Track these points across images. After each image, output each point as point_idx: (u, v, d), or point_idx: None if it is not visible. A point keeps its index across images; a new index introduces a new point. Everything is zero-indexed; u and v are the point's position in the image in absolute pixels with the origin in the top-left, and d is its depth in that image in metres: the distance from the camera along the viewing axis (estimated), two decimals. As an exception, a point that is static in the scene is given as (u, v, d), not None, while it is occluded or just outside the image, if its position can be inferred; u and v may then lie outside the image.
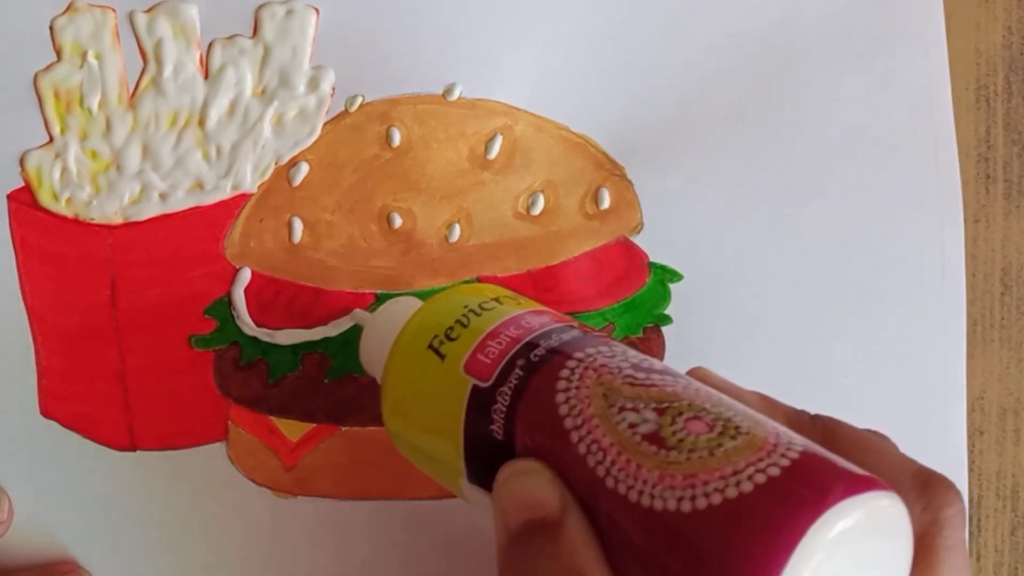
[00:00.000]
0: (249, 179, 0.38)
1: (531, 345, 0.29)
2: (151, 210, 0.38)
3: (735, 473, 0.24)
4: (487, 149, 0.38)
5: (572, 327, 0.30)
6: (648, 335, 0.39)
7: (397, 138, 0.37)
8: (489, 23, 0.37)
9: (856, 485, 0.24)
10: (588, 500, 0.26)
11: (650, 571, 0.25)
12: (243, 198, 0.38)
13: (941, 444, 0.40)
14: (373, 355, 0.35)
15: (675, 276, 0.39)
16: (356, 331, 0.38)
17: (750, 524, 0.23)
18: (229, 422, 0.39)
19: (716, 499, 0.24)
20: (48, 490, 0.39)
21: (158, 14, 0.37)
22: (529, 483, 0.27)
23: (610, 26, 0.38)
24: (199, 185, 0.38)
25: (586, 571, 0.25)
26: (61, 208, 0.38)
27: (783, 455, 0.25)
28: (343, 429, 0.39)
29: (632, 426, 0.26)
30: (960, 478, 0.40)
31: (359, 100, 0.38)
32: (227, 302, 0.38)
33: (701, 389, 0.28)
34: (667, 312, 0.39)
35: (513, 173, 0.38)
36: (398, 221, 0.38)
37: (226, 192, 0.38)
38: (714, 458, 0.25)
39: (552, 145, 0.38)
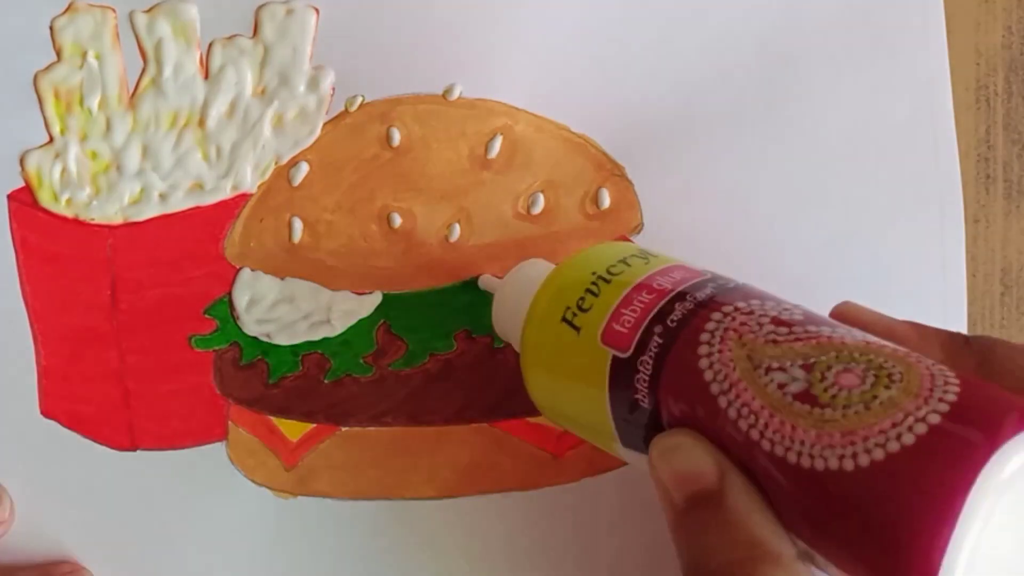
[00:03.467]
0: (249, 179, 0.38)
1: (667, 309, 0.28)
2: (151, 210, 0.38)
3: (894, 425, 0.24)
4: (487, 149, 0.38)
5: (705, 280, 0.30)
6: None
7: (397, 138, 0.37)
8: (489, 23, 0.37)
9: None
10: (747, 464, 0.26)
11: (820, 531, 0.25)
12: (243, 198, 0.38)
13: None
14: (506, 326, 0.34)
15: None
16: (357, 330, 0.38)
17: (916, 479, 0.23)
18: (229, 422, 0.39)
19: (878, 455, 0.23)
20: (48, 490, 0.39)
21: (158, 14, 0.37)
22: (685, 457, 0.26)
23: (610, 26, 0.38)
24: (199, 185, 0.38)
25: (756, 534, 0.25)
26: (61, 208, 0.38)
27: (940, 399, 0.24)
28: (343, 429, 0.39)
29: (781, 386, 0.26)
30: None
31: (359, 100, 0.38)
32: (227, 302, 0.38)
33: (846, 334, 0.27)
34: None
35: (513, 173, 0.38)
36: (398, 221, 0.38)
37: (226, 192, 0.38)
38: (870, 412, 0.24)
39: (552, 145, 0.38)
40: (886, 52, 0.39)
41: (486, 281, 0.37)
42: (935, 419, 0.24)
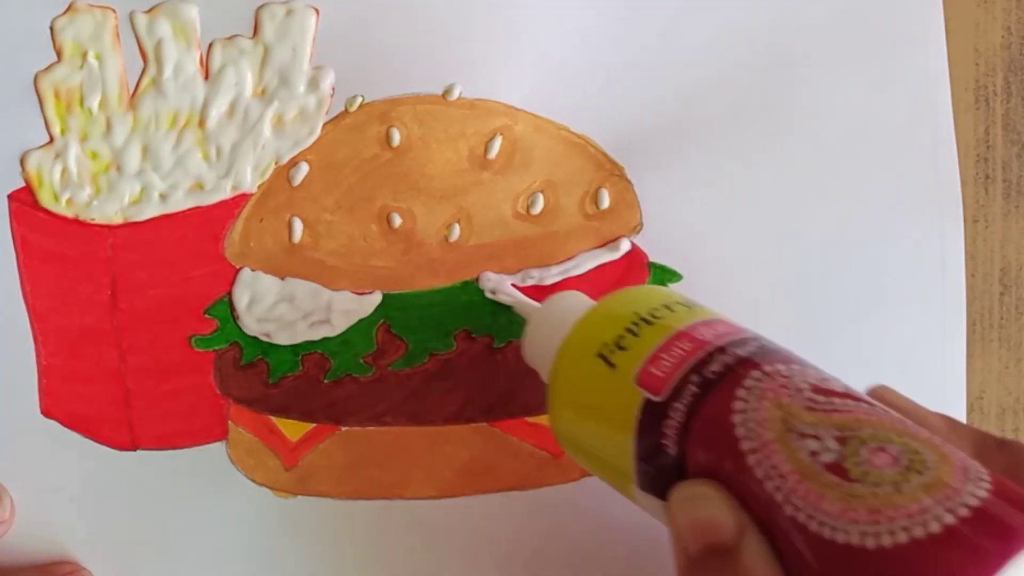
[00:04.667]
0: (249, 179, 0.38)
1: (706, 360, 0.29)
2: (151, 210, 0.38)
3: (922, 512, 0.24)
4: (487, 149, 0.38)
5: (746, 338, 0.30)
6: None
7: (397, 138, 0.38)
8: (489, 23, 0.37)
9: None
10: (766, 524, 0.26)
11: None
12: (243, 198, 0.38)
13: (941, 444, 0.40)
14: (537, 353, 0.34)
15: (675, 276, 0.39)
16: (357, 330, 0.38)
17: (938, 567, 0.23)
18: (229, 422, 0.39)
19: (902, 538, 0.24)
20: (48, 490, 0.39)
21: (158, 14, 0.37)
22: (705, 508, 0.27)
23: (610, 26, 0.38)
24: (199, 185, 0.38)
25: None
26: (61, 208, 0.38)
27: (971, 493, 0.24)
28: (343, 429, 0.39)
29: (813, 454, 0.26)
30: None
31: (359, 100, 0.38)
32: (227, 302, 0.38)
33: (884, 414, 0.27)
34: (667, 312, 0.39)
35: (513, 173, 0.38)
36: (398, 221, 0.38)
37: (226, 192, 0.38)
38: (900, 495, 0.24)
39: (552, 145, 0.38)
40: (886, 52, 0.39)
41: (521, 306, 0.37)
42: (964, 512, 0.24)
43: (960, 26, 0.40)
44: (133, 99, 0.38)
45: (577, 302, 0.34)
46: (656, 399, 0.29)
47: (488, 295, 0.38)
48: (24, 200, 0.38)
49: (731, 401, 0.27)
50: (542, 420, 0.39)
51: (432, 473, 0.39)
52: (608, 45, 0.38)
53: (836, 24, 0.39)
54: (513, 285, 0.38)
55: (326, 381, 0.38)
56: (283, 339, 0.38)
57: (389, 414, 0.38)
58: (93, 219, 0.38)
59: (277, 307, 0.38)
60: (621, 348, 0.30)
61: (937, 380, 0.40)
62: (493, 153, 0.38)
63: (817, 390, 0.27)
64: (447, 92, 0.38)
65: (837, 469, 0.25)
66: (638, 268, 0.39)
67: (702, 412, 0.28)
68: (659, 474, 0.29)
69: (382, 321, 0.38)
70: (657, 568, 0.40)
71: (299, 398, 0.38)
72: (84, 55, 0.37)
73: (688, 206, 0.39)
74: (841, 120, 0.39)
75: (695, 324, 0.30)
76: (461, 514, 0.39)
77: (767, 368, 0.28)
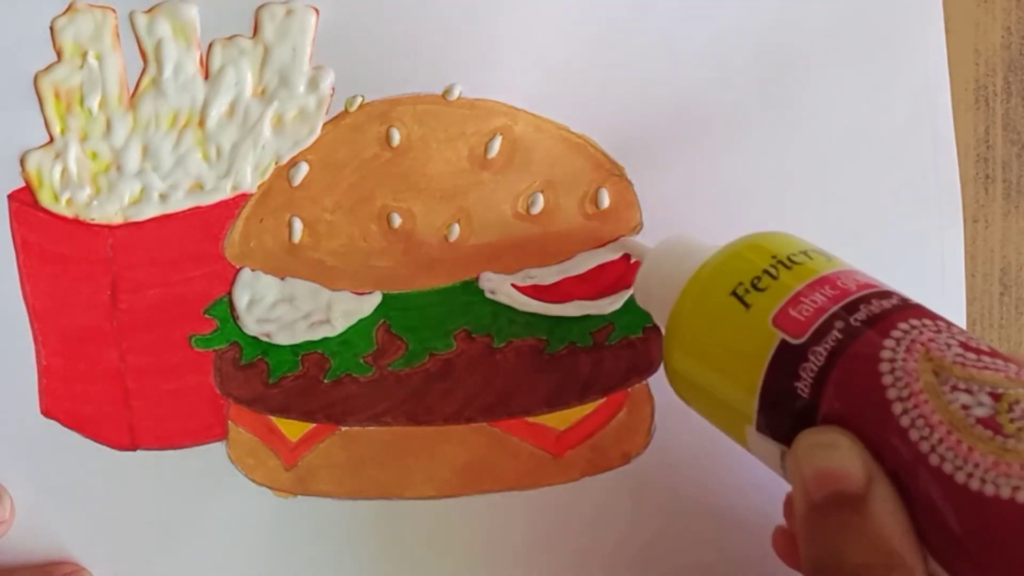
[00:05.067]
0: (249, 179, 0.38)
1: (851, 308, 0.28)
2: (151, 210, 0.38)
3: None
4: (487, 149, 0.38)
5: (889, 291, 0.29)
6: (648, 335, 0.39)
7: (397, 138, 0.38)
8: (489, 23, 0.37)
9: None
10: (902, 474, 0.26)
11: (972, 555, 0.25)
12: (243, 198, 0.38)
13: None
14: (654, 292, 0.34)
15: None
16: (357, 330, 0.38)
17: None
18: (229, 422, 0.39)
19: None
20: (48, 490, 0.39)
21: (158, 14, 0.37)
22: (836, 456, 0.26)
23: (610, 26, 0.38)
24: (199, 185, 0.38)
25: (893, 545, 0.25)
26: (61, 208, 0.38)
27: None
28: (343, 429, 0.39)
29: (965, 407, 0.26)
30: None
31: (359, 100, 0.38)
32: (227, 302, 0.38)
33: None
34: (667, 312, 0.39)
35: (513, 173, 0.38)
36: (398, 221, 0.38)
37: (226, 192, 0.38)
38: None
39: (552, 145, 0.38)
40: (885, 52, 0.39)
41: (629, 244, 0.36)
42: None
43: (960, 26, 0.40)
44: (133, 99, 0.38)
45: (697, 244, 0.33)
46: (794, 341, 0.28)
47: (488, 295, 0.38)
48: (24, 200, 0.38)
49: (878, 350, 0.27)
50: (542, 420, 0.39)
51: (432, 473, 0.39)
52: (608, 45, 0.38)
53: (836, 24, 0.39)
54: (513, 285, 0.38)
55: (326, 381, 0.38)
56: (283, 339, 0.38)
57: (389, 414, 0.38)
58: (93, 219, 0.38)
59: (277, 307, 0.38)
60: (757, 289, 0.30)
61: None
62: (493, 153, 0.38)
63: (967, 347, 0.27)
64: (447, 92, 0.38)
65: (990, 423, 0.25)
66: (638, 268, 0.39)
67: (845, 358, 0.28)
68: (784, 418, 0.28)
69: (382, 321, 0.38)
70: (657, 568, 0.40)
71: (299, 398, 0.38)
72: (84, 55, 0.37)
73: (688, 206, 0.39)
74: (841, 120, 0.39)
75: (837, 272, 0.30)
76: (461, 514, 0.39)
77: (913, 321, 0.28)
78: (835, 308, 0.29)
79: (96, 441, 0.39)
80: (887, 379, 0.27)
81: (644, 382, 0.39)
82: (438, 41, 0.37)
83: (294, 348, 0.38)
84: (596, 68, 0.38)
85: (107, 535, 0.39)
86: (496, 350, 0.38)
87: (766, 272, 0.30)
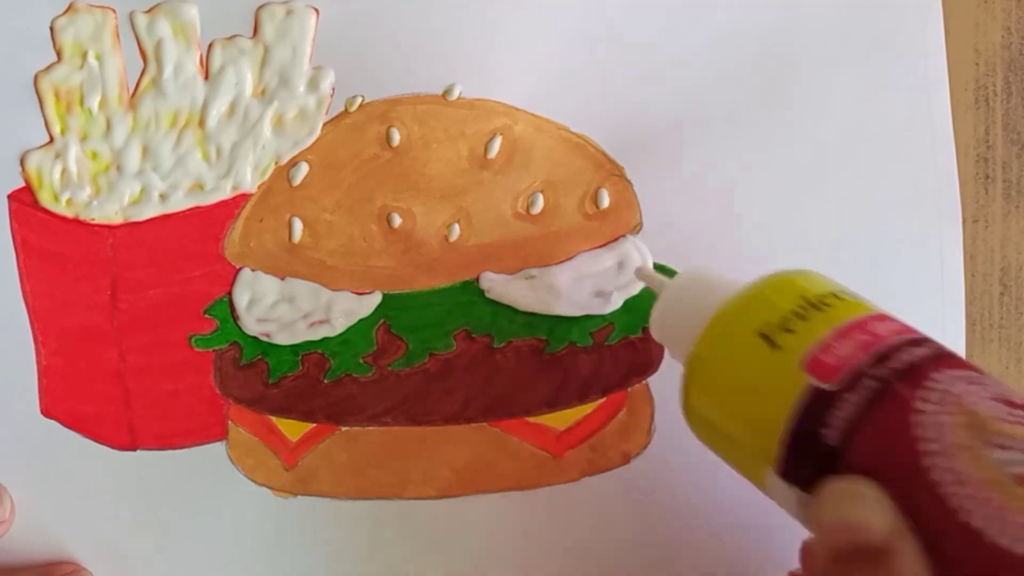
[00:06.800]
0: (249, 179, 0.38)
1: (884, 356, 0.28)
2: (151, 210, 0.38)
3: None
4: (487, 149, 0.38)
5: (923, 339, 0.29)
6: (648, 335, 0.39)
7: (397, 138, 0.38)
8: (489, 23, 0.37)
9: None
10: (928, 529, 0.25)
11: None
12: (243, 198, 0.38)
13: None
14: (672, 328, 0.34)
15: (674, 276, 0.39)
16: (357, 330, 0.38)
17: None
18: (229, 422, 0.39)
19: None
20: (48, 490, 0.39)
21: (158, 14, 0.37)
22: (860, 508, 0.26)
23: (609, 26, 0.38)
24: (199, 185, 0.38)
25: None
26: (61, 208, 0.38)
27: None
28: (343, 429, 0.39)
29: (1003, 464, 0.25)
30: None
31: (359, 100, 0.38)
32: (227, 302, 0.38)
33: None
34: (667, 312, 0.39)
35: (513, 173, 0.38)
36: (398, 221, 0.38)
37: (226, 192, 0.38)
38: None
39: (552, 145, 0.38)
40: (885, 52, 0.39)
41: (646, 275, 0.36)
42: None
43: (960, 26, 0.40)
44: (133, 99, 0.38)
45: (717, 279, 0.33)
46: (825, 387, 0.28)
47: (488, 295, 0.38)
48: (24, 200, 0.38)
49: (911, 401, 0.27)
50: (542, 420, 0.39)
51: (432, 473, 0.39)
52: (608, 45, 0.38)
53: (836, 24, 0.39)
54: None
55: (326, 381, 0.38)
56: (283, 339, 0.38)
57: (389, 414, 0.38)
58: (93, 219, 0.38)
59: (277, 307, 0.38)
60: (787, 330, 0.29)
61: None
62: (493, 153, 0.38)
63: (1004, 401, 0.27)
64: (447, 92, 0.38)
65: None
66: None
67: (877, 408, 0.27)
68: (808, 464, 0.28)
69: (382, 321, 0.38)
70: (657, 568, 0.40)
71: (299, 398, 0.38)
72: (84, 55, 0.37)
73: (687, 206, 0.39)
74: (841, 120, 0.39)
75: (869, 318, 0.29)
76: (461, 514, 0.39)
77: (947, 372, 0.27)
78: (868, 356, 0.28)
79: (96, 441, 0.39)
80: (918, 431, 0.26)
81: (644, 382, 0.39)
82: (438, 41, 0.37)
83: (294, 348, 0.38)
84: (596, 68, 0.38)
85: (107, 535, 0.39)
86: (496, 350, 0.38)
87: (795, 313, 0.30)
